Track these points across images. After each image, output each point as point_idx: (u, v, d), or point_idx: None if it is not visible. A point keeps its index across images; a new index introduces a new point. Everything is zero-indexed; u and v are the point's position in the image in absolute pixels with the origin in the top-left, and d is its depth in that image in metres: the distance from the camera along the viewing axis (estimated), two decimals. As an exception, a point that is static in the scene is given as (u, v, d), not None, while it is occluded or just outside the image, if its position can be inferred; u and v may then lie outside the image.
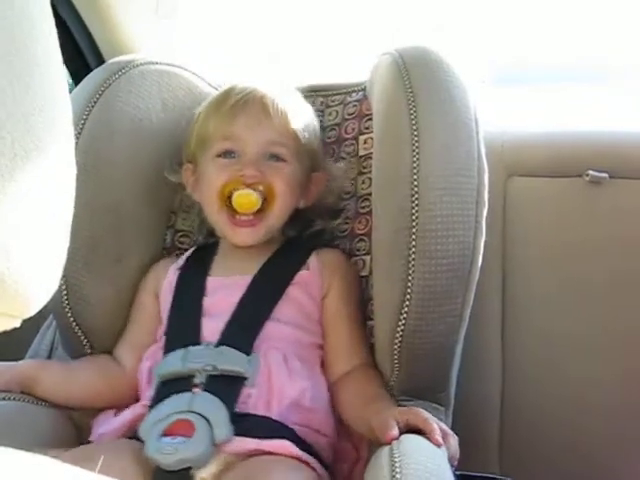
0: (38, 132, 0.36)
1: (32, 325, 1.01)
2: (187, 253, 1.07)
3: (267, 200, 0.98)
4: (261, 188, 0.97)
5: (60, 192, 0.39)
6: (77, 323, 0.99)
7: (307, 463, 0.82)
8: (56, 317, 1.02)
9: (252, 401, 0.86)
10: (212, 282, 1.00)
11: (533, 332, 1.20)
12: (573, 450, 1.17)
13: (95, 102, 1.01)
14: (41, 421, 0.93)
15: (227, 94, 1.02)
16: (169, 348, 0.93)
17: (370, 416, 0.84)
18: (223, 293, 0.97)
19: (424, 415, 0.80)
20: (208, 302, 0.97)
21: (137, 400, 0.95)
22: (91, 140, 0.98)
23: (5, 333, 0.39)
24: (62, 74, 0.40)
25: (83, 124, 0.97)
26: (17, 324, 0.39)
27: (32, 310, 0.39)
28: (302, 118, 1.03)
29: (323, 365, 0.96)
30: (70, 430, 0.96)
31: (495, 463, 1.20)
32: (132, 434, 0.87)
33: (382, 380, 0.93)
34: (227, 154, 1.00)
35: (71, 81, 1.29)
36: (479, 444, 1.18)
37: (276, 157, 1.00)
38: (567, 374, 1.18)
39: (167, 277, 1.03)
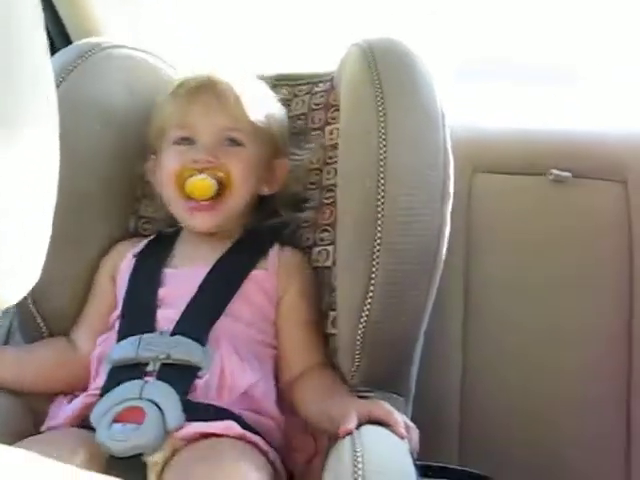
0: (23, 117, 0.36)
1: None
2: (147, 239, 1.06)
3: (224, 185, 0.97)
4: (219, 174, 0.97)
5: (43, 180, 0.38)
6: (35, 306, 0.98)
7: (255, 443, 0.83)
8: (14, 300, 1.00)
9: (203, 390, 0.86)
10: (168, 274, 0.99)
11: (494, 323, 1.22)
12: (532, 440, 1.18)
13: (60, 83, 0.99)
14: None
15: (182, 82, 1.03)
16: (123, 335, 0.92)
17: (331, 407, 0.85)
18: (180, 284, 0.97)
19: (387, 408, 0.81)
20: (164, 292, 0.96)
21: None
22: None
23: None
24: (47, 57, 0.39)
25: None
26: None
27: (15, 298, 0.38)
28: (260, 103, 1.03)
29: (275, 364, 0.96)
30: (28, 417, 0.95)
31: (455, 453, 1.21)
32: (82, 423, 0.87)
33: (338, 377, 0.93)
34: (183, 141, 1.00)
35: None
36: (439, 434, 1.19)
37: (233, 141, 1.00)
38: (528, 364, 1.20)
39: (124, 261, 1.02)
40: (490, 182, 1.24)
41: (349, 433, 0.77)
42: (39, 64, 0.38)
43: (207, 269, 0.97)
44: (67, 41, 1.26)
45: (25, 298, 0.94)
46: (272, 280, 0.98)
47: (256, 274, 0.98)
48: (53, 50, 1.21)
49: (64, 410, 0.92)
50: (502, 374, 1.20)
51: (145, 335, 0.90)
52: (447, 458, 1.15)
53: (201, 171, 0.96)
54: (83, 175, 1.01)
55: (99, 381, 0.90)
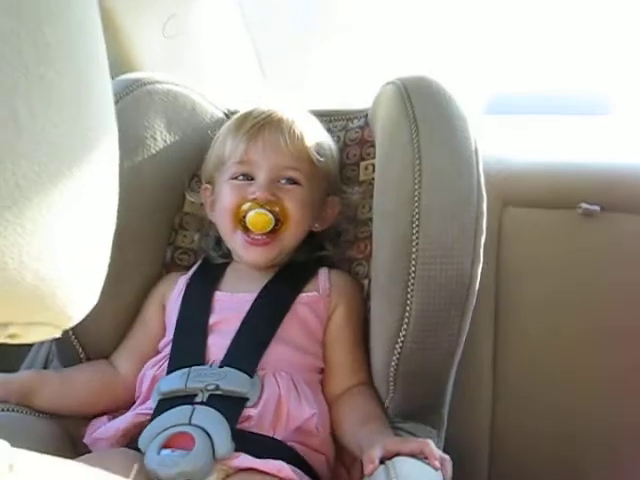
0: (89, 144, 0.36)
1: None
2: (196, 265, 1.09)
3: (281, 221, 0.99)
4: (275, 209, 0.99)
5: (104, 204, 0.39)
6: (76, 336, 1.00)
7: None
8: (54, 329, 1.02)
9: (256, 421, 0.86)
10: (219, 297, 1.00)
11: (524, 359, 1.21)
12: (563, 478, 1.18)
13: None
14: (38, 432, 0.93)
15: (245, 117, 1.04)
16: (173, 366, 0.93)
17: (362, 438, 0.85)
18: (229, 310, 0.98)
19: (420, 441, 0.81)
20: (214, 319, 0.97)
21: (132, 405, 0.95)
22: None
23: (1, 344, 0.38)
24: (110, 89, 0.39)
25: None
26: (58, 334, 0.39)
27: (74, 321, 0.39)
28: (318, 142, 1.05)
29: (322, 386, 0.97)
30: (66, 441, 0.96)
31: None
32: (128, 442, 0.88)
33: (379, 399, 0.94)
34: (242, 177, 1.02)
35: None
36: (469, 468, 1.18)
37: (290, 180, 1.01)
38: (557, 403, 1.19)
39: (177, 287, 1.04)
40: (520, 216, 1.24)
41: (370, 474, 0.77)
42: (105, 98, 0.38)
43: (254, 295, 0.99)
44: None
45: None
46: (323, 301, 1.00)
47: (306, 296, 0.99)
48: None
49: (108, 425, 0.92)
50: (532, 411, 1.19)
51: (194, 367, 0.91)
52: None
53: (259, 205, 0.98)
54: (124, 207, 1.03)
55: (149, 403, 0.91)
